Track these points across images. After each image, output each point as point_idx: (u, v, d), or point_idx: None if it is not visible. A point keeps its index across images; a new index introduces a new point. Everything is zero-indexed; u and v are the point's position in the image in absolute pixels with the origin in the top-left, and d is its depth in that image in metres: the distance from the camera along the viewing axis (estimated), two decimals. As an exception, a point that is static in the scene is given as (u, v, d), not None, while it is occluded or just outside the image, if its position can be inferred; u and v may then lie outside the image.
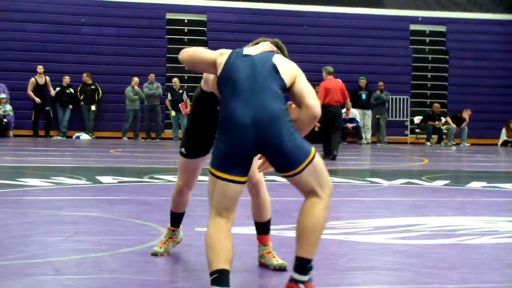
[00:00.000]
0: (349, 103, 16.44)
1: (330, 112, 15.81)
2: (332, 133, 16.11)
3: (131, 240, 5.86)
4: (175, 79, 23.44)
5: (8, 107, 22.54)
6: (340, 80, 16.73)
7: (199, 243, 5.80)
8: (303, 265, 4.05)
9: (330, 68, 16.52)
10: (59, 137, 22.81)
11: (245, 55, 4.19)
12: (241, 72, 4.10)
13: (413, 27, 27.64)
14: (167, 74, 24.83)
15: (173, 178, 10.79)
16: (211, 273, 3.92)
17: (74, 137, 23.02)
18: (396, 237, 6.30)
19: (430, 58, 27.56)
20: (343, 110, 16.59)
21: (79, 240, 5.85)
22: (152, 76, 23.53)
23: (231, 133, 3.94)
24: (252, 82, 4.06)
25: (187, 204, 5.35)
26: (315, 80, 16.44)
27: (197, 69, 4.48)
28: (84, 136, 23.00)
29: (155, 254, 5.23)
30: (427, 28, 27.86)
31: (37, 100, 22.41)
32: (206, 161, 4.82)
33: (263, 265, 5.02)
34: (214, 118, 4.59)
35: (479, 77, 26.76)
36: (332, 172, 13.06)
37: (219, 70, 4.17)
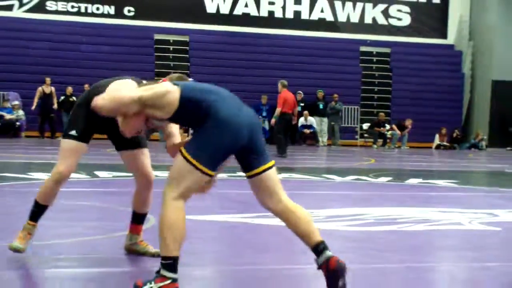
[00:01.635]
0: (296, 111, 17.13)
1: (286, 119, 16.18)
2: (286, 135, 16.44)
3: (122, 225, 5.82)
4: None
5: (21, 112, 22.49)
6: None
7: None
8: None
9: (285, 82, 16.71)
10: (63, 138, 22.67)
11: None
12: (207, 85, 3.87)
13: (362, 48, 27.79)
14: (155, 85, 24.74)
15: (161, 174, 10.76)
16: (169, 258, 3.61)
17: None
18: (346, 224, 6.34)
19: (376, 75, 27.70)
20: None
21: (78, 225, 5.82)
22: (144, 88, 23.46)
23: (231, 132, 3.63)
24: (225, 91, 3.85)
25: (56, 197, 4.57)
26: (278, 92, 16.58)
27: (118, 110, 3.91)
28: (84, 138, 22.84)
29: (17, 251, 4.40)
30: (374, 49, 28.02)
31: (35, 105, 22.35)
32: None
33: (135, 252, 4.68)
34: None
35: (418, 91, 26.93)
36: (292, 170, 13.09)
37: (176, 89, 3.75)
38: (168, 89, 3.76)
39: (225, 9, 26.66)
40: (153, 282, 3.64)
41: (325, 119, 24.77)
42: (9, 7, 24.83)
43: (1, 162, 11.98)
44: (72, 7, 25.44)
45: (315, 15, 27.54)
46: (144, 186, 4.66)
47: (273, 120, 16.91)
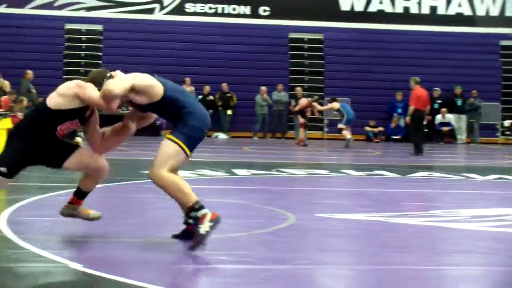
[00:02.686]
0: (428, 108, 16.84)
1: (420, 116, 15.82)
2: (421, 133, 16.13)
3: (262, 223, 5.89)
4: (299, 88, 23.15)
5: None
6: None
7: (318, 226, 5.78)
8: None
9: (418, 78, 16.31)
10: (201, 137, 23.23)
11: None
12: (181, 88, 5.01)
13: (503, 42, 26.77)
14: (289, 84, 24.89)
15: (297, 172, 10.82)
16: (197, 202, 4.67)
17: (213, 136, 23.40)
18: (490, 225, 6.12)
19: (519, 69, 26.62)
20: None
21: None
22: (280, 86, 23.70)
23: (203, 125, 4.87)
24: (190, 94, 5.04)
25: None
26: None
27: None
28: (222, 136, 23.33)
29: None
30: (515, 43, 26.94)
31: None
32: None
33: (74, 216, 5.11)
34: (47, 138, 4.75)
35: None
36: (431, 168, 12.79)
37: (158, 85, 4.76)
38: (154, 83, 4.77)
39: (359, 7, 26.44)
40: (200, 225, 4.58)
41: (463, 116, 24.08)
42: (151, 10, 25.77)
43: (142, 160, 12.41)
44: (210, 8, 26.06)
45: (452, 10, 26.80)
46: (101, 175, 5.04)
47: (407, 118, 16.55)
